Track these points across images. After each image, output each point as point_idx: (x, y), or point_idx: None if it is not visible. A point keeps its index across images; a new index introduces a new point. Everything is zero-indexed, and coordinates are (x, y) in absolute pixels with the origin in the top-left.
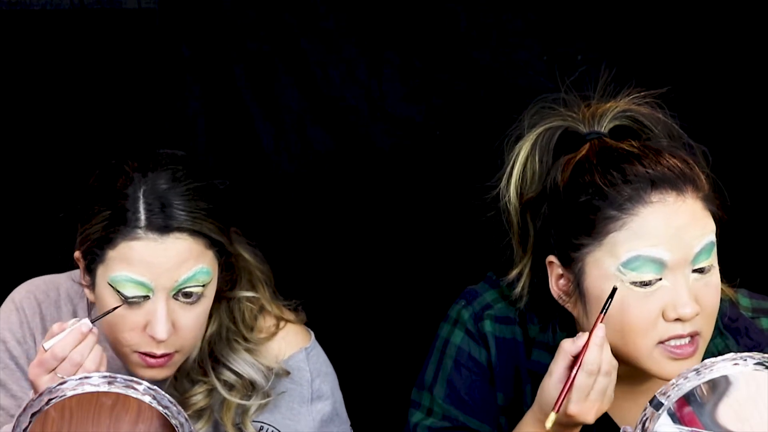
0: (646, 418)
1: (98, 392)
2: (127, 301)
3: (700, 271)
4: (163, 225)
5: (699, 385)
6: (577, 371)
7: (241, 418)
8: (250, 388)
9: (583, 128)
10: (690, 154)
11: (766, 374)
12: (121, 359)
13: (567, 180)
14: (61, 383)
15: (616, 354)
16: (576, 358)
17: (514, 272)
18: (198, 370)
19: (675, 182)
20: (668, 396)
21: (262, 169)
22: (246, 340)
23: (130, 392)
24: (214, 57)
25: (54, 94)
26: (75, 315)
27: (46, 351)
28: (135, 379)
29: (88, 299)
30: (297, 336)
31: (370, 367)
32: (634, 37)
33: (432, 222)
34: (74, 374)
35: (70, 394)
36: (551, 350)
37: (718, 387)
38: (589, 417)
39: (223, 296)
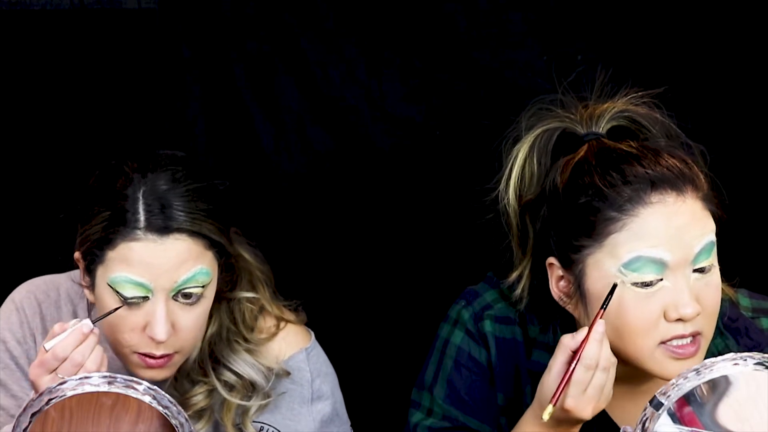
0: (646, 418)
1: (98, 392)
2: (126, 301)
3: (701, 270)
4: (162, 226)
5: (699, 385)
6: (575, 365)
7: (241, 419)
8: (250, 388)
9: (581, 129)
10: (688, 153)
11: (766, 374)
12: (121, 360)
13: (566, 181)
14: (61, 383)
15: (617, 354)
16: (575, 354)
17: (514, 274)
18: (198, 371)
19: (674, 182)
20: (668, 396)
21: (262, 169)
22: (246, 340)
23: (130, 392)
24: (214, 57)
25: (54, 94)
26: (75, 315)
27: (47, 351)
28: (135, 379)
29: (88, 300)
30: (297, 336)
31: (370, 367)
32: (632, 38)
33: (432, 222)
34: (75, 374)
35: (70, 394)
36: (551, 350)
37: (718, 387)
38: (586, 413)
39: (224, 297)
